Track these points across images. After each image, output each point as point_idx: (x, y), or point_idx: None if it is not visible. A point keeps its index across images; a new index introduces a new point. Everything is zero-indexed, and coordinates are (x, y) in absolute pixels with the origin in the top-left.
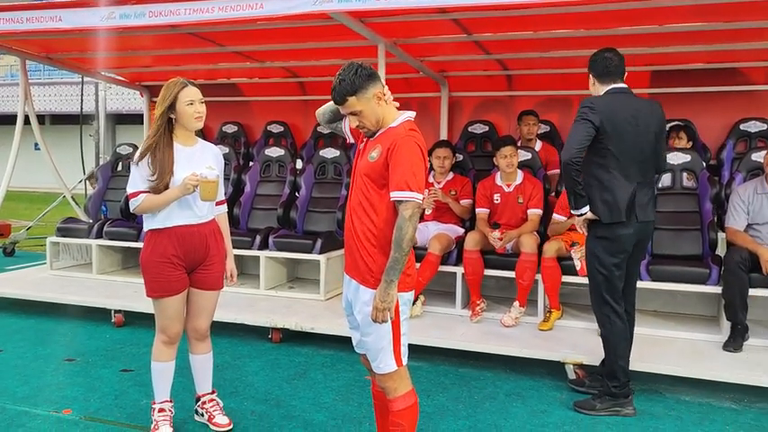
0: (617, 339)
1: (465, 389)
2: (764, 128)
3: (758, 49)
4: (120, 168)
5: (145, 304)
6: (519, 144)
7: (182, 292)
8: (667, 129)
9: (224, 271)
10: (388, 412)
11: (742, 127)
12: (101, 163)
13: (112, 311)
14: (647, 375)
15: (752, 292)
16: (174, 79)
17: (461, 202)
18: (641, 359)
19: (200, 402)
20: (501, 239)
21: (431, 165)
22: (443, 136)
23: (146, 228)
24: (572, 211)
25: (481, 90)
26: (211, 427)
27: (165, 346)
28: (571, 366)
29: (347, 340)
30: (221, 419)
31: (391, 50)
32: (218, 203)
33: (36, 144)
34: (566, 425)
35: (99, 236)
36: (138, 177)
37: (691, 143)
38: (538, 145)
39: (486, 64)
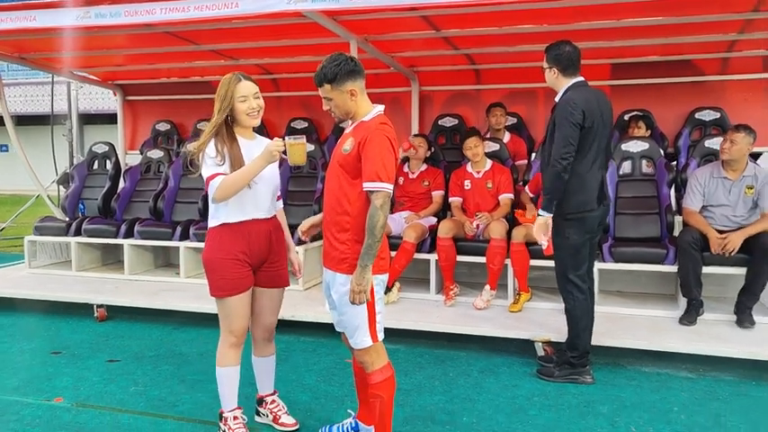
0: (580, 314)
1: (440, 367)
2: (718, 116)
3: (710, 41)
4: (96, 167)
5: (128, 298)
6: (488, 135)
7: (248, 289)
8: (627, 118)
9: (287, 267)
10: (368, 386)
11: (697, 116)
12: (75, 163)
13: (95, 306)
14: (611, 350)
15: (706, 270)
16: (229, 75)
17: (433, 193)
18: (605, 335)
19: (263, 403)
20: (478, 227)
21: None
22: (415, 129)
23: (210, 224)
24: (541, 212)
25: (450, 84)
26: (277, 427)
27: (232, 349)
28: (540, 344)
29: (327, 327)
30: (287, 419)
31: (363, 47)
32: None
33: (3, 146)
34: (535, 396)
35: (78, 233)
36: (212, 163)
37: (649, 132)
38: (506, 136)
39: (454, 59)
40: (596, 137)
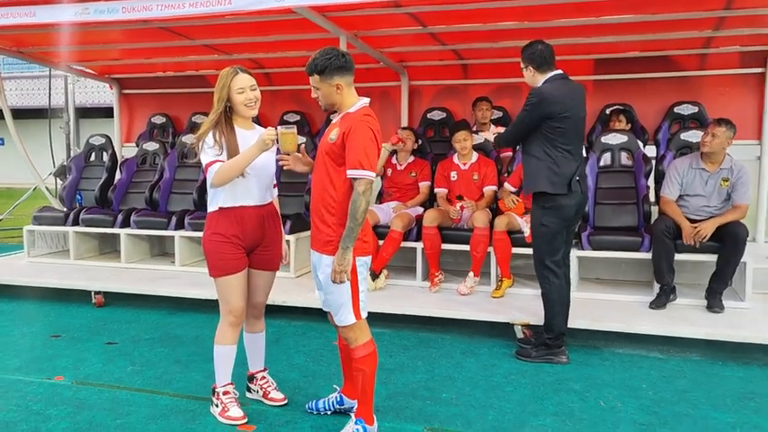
0: (555, 297)
1: (424, 349)
2: (696, 110)
3: (687, 38)
4: (93, 159)
5: (125, 284)
6: (474, 128)
7: (242, 270)
8: (608, 112)
9: (281, 252)
10: (352, 360)
11: (676, 110)
12: (72, 155)
13: (92, 293)
14: (587, 332)
15: (680, 257)
16: (227, 69)
17: (420, 184)
18: (581, 318)
19: (253, 379)
20: (461, 210)
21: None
22: (404, 123)
23: (209, 209)
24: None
25: (438, 79)
26: (266, 402)
27: (231, 328)
28: (519, 327)
29: (316, 312)
30: (276, 395)
31: (352, 42)
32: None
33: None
34: (512, 375)
35: (75, 223)
36: (211, 152)
37: (630, 125)
38: (492, 129)
39: (442, 54)
40: (569, 126)
